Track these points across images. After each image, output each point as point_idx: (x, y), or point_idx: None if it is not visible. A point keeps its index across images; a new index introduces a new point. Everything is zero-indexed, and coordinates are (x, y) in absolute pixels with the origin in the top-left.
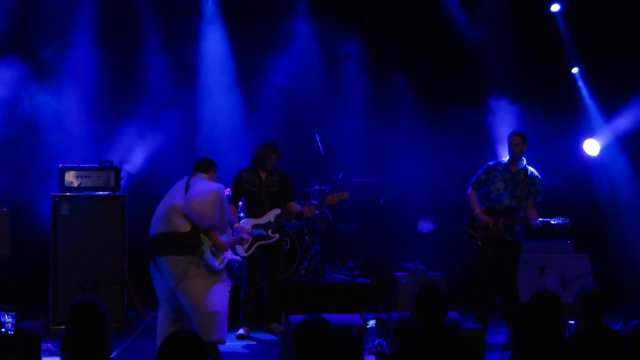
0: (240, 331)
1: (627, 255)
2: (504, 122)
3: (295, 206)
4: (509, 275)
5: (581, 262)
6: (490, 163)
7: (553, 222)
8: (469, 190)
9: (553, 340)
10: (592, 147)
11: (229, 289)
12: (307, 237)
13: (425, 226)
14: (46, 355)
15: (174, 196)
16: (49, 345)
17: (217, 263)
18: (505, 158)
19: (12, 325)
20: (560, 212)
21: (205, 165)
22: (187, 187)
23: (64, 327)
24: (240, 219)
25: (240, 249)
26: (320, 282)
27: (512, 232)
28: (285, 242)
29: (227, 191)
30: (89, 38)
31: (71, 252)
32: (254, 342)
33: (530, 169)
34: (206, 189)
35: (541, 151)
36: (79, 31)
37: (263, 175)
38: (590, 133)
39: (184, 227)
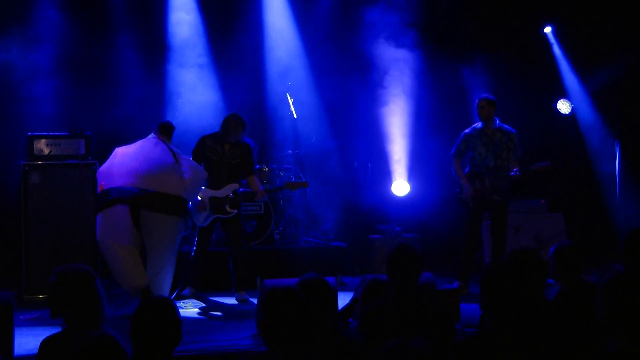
0: (186, 291)
1: (600, 212)
2: (477, 84)
3: (253, 181)
4: (498, 236)
5: (555, 221)
6: (467, 130)
7: (532, 168)
8: (452, 161)
9: (524, 300)
10: (564, 106)
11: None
12: (281, 201)
13: (400, 188)
14: (22, 325)
15: (163, 158)
16: (34, 314)
17: (201, 218)
18: (479, 123)
19: None
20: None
21: (169, 131)
22: (174, 154)
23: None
24: None
25: (197, 217)
26: (296, 247)
27: (499, 192)
28: (259, 207)
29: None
30: (57, 4)
31: (42, 221)
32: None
33: (505, 125)
34: (194, 167)
35: (513, 111)
36: None
37: (227, 146)
38: (563, 92)
39: (182, 192)
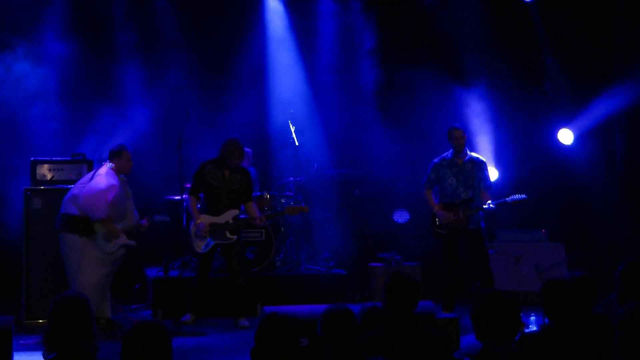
0: (186, 317)
1: (601, 243)
2: (477, 112)
3: (252, 208)
4: (481, 262)
5: (556, 251)
6: (436, 160)
7: (509, 200)
8: (424, 191)
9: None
10: (566, 136)
11: (109, 270)
12: (282, 228)
13: (400, 216)
14: (21, 349)
15: (80, 184)
16: (34, 339)
17: (109, 246)
18: (448, 153)
19: None
20: (534, 201)
21: (112, 155)
22: (92, 177)
23: (47, 321)
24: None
25: (195, 244)
26: (296, 273)
27: (473, 221)
28: (260, 233)
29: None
30: (60, 27)
31: (44, 246)
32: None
33: (474, 155)
34: (93, 189)
35: (516, 140)
36: (50, 19)
37: (227, 172)
38: (564, 122)
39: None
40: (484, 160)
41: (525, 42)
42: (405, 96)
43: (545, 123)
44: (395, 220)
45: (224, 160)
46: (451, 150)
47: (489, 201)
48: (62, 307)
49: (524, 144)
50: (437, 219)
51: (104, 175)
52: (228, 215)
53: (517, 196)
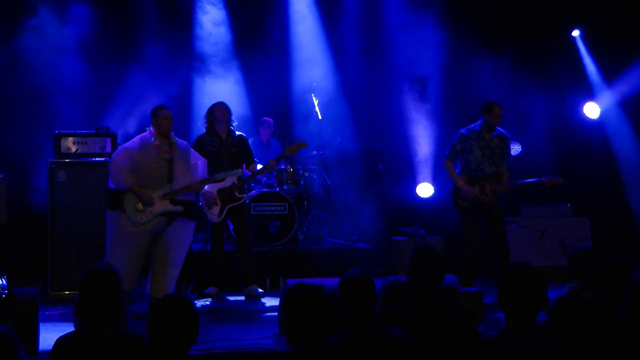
0: (209, 290)
1: (626, 218)
2: (505, 83)
3: (255, 168)
4: (500, 236)
5: (580, 226)
6: (463, 131)
7: (545, 180)
8: (445, 162)
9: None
10: (592, 110)
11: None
12: (305, 202)
13: (424, 190)
14: (47, 320)
15: None
16: (59, 310)
17: (140, 217)
18: (475, 124)
19: (4, 288)
20: (559, 175)
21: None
22: None
23: (77, 292)
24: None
25: (211, 214)
26: (319, 247)
27: (497, 197)
28: (283, 207)
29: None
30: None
31: (69, 219)
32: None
33: (502, 130)
34: (112, 157)
35: (541, 114)
36: None
37: (223, 136)
38: (591, 96)
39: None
40: (509, 136)
41: (552, 14)
42: (431, 69)
43: (572, 97)
44: (419, 194)
45: (212, 125)
46: (480, 122)
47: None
48: (91, 278)
49: (550, 118)
50: (460, 193)
51: (130, 141)
52: (233, 177)
53: (542, 178)
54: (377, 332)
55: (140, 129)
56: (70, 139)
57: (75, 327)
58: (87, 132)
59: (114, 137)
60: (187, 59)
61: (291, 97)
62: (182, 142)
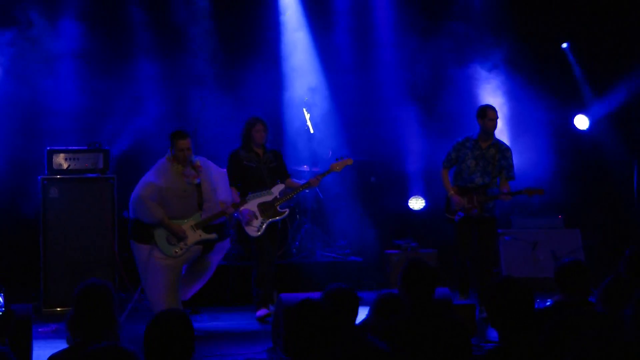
0: (261, 312)
1: (617, 229)
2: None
3: (293, 182)
4: (486, 251)
5: (572, 237)
6: (459, 139)
7: (524, 190)
8: (442, 170)
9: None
10: (582, 122)
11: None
12: (297, 216)
13: (416, 203)
14: (40, 337)
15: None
16: (52, 326)
17: (174, 249)
18: (473, 133)
19: (1, 305)
20: (550, 187)
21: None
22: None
23: (71, 308)
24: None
25: (250, 229)
26: (312, 261)
27: (487, 209)
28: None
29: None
30: (77, 14)
31: (61, 235)
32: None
33: (500, 140)
34: (135, 190)
35: (531, 126)
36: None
37: (260, 152)
38: (580, 108)
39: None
40: (509, 147)
41: (544, 25)
42: (420, 80)
43: (562, 108)
44: (411, 207)
45: (250, 140)
46: (477, 131)
47: (505, 189)
48: (85, 294)
49: (540, 129)
50: (450, 204)
51: (150, 172)
52: (275, 191)
53: (533, 188)
54: (359, 343)
55: (134, 145)
56: (62, 155)
57: (67, 343)
58: (79, 148)
59: (106, 152)
60: (180, 73)
61: (282, 111)
62: (201, 158)
